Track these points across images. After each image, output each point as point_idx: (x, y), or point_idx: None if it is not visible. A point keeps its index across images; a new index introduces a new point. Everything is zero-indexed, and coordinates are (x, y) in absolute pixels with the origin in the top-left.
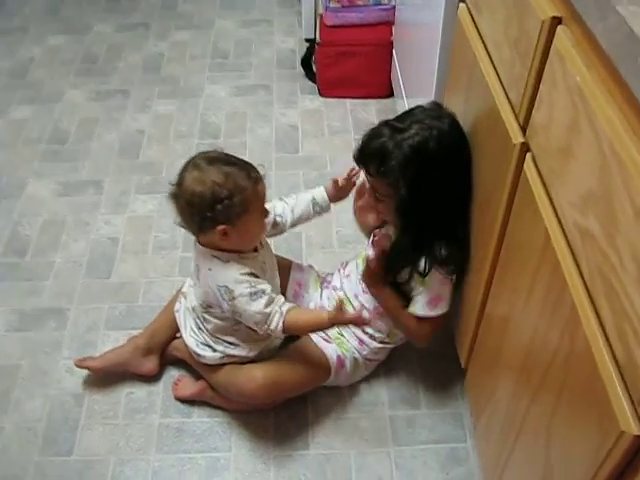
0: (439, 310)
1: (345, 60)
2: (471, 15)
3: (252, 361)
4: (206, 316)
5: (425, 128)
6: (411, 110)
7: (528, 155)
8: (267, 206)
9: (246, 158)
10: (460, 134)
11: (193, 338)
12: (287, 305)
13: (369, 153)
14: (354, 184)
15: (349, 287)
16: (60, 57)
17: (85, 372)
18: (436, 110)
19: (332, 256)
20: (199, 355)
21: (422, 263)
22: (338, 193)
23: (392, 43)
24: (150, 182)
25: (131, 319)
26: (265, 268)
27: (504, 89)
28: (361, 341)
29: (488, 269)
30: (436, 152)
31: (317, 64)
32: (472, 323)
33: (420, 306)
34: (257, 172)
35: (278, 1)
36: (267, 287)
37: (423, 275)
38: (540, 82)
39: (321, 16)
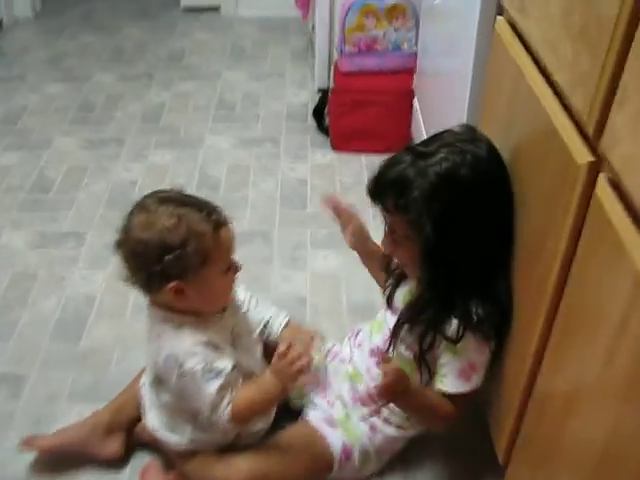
0: (473, 383)
1: (361, 110)
2: (512, 25)
3: (232, 447)
4: (161, 395)
5: (456, 152)
6: (439, 134)
7: (601, 176)
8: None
9: (247, 214)
10: (499, 162)
11: (156, 419)
12: (235, 391)
13: (385, 183)
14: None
15: (360, 359)
16: (55, 105)
17: (32, 455)
18: (469, 133)
19: (340, 325)
20: (163, 439)
21: (452, 326)
22: None
23: (413, 91)
24: None
25: (100, 391)
26: (237, 335)
27: (561, 98)
28: (373, 426)
29: (539, 334)
30: (470, 181)
31: (330, 114)
32: (514, 406)
33: (450, 381)
34: (220, 214)
35: (291, 54)
36: (226, 365)
37: (455, 341)
38: (622, 71)
39: (336, 63)
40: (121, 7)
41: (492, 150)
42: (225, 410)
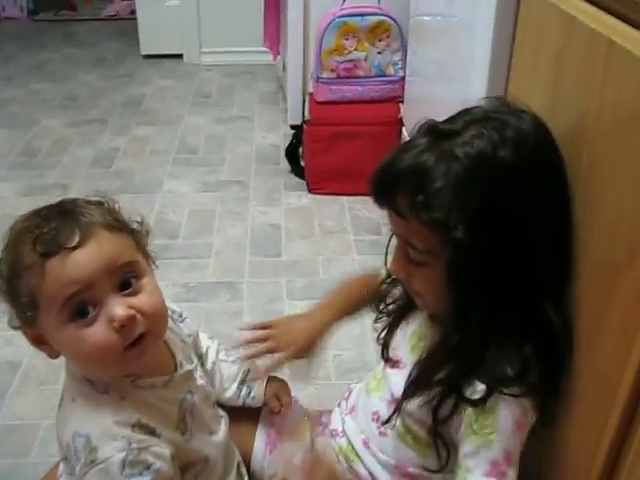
0: (511, 475)
1: (340, 144)
2: None
3: None
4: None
5: (493, 127)
6: (466, 109)
7: None
8: (117, 308)
9: (211, 263)
10: (550, 139)
11: None
12: None
13: (396, 175)
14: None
15: (354, 429)
16: None
17: None
18: (506, 105)
19: (328, 390)
20: None
21: (477, 386)
22: None
23: (401, 121)
24: None
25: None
26: (190, 407)
27: None
28: None
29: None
30: (513, 164)
31: (305, 150)
32: None
33: (480, 471)
34: (64, 234)
35: (260, 99)
36: (158, 455)
37: (478, 403)
38: None
39: (311, 93)
40: (77, 57)
41: (539, 124)
42: None
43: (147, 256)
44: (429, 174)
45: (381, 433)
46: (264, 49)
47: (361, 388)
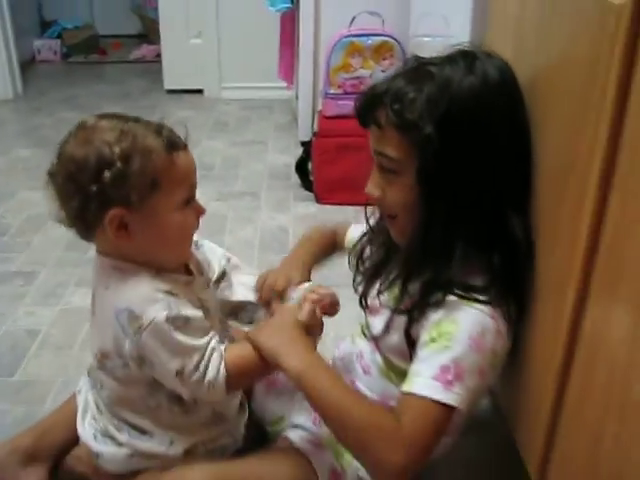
0: (452, 395)
1: (347, 155)
2: None
3: None
4: (103, 376)
5: (464, 59)
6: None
7: None
8: (202, 205)
9: None
10: (512, 75)
11: (92, 427)
12: (223, 344)
13: (377, 94)
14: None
15: (342, 372)
16: (22, 165)
17: None
18: (480, 49)
19: None
20: (97, 455)
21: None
22: None
23: None
24: None
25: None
26: (205, 309)
27: None
28: None
29: (574, 293)
30: (480, 88)
31: (314, 161)
32: (545, 411)
33: (422, 380)
34: (176, 136)
35: (275, 127)
36: (196, 314)
37: (439, 303)
38: None
39: (320, 111)
40: (103, 92)
41: (505, 64)
42: (221, 364)
43: None
44: (405, 89)
45: (365, 372)
46: (281, 85)
47: (348, 340)
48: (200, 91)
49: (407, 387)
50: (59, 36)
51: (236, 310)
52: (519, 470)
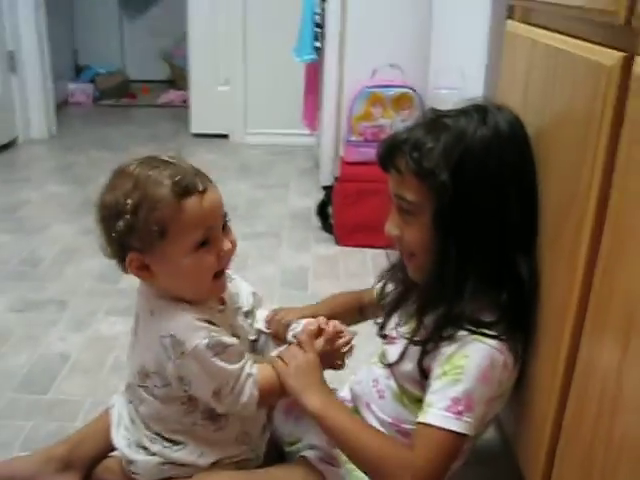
0: (464, 425)
1: (367, 200)
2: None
3: None
4: (142, 393)
5: (477, 113)
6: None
7: (637, 60)
8: (227, 243)
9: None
10: (522, 128)
11: (125, 438)
12: (255, 366)
13: (397, 142)
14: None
15: (359, 395)
16: (56, 201)
17: None
18: (491, 103)
19: None
20: (130, 462)
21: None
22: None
23: None
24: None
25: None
26: (237, 335)
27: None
28: None
29: (571, 328)
30: (491, 141)
31: (335, 205)
32: (545, 437)
33: (435, 411)
34: (195, 180)
35: (297, 172)
36: (233, 340)
37: (452, 337)
38: None
39: (341, 157)
40: (133, 133)
41: (515, 117)
42: (254, 386)
43: None
44: (423, 139)
45: (380, 396)
46: (303, 131)
47: (366, 367)
48: (225, 136)
49: (422, 418)
50: (92, 80)
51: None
52: None
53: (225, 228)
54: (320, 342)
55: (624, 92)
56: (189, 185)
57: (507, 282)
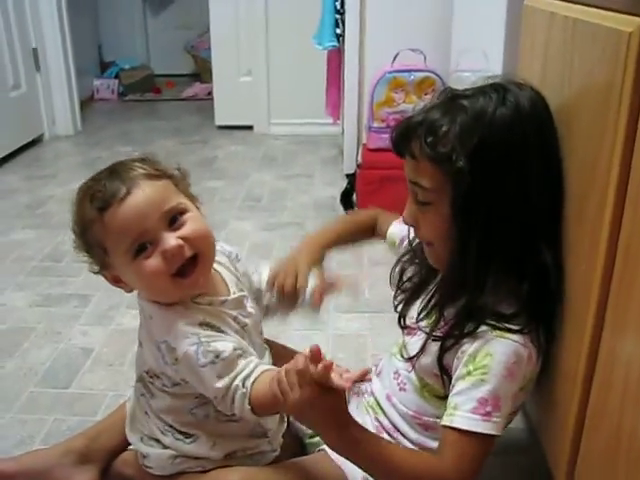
0: (492, 425)
1: (390, 186)
2: None
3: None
4: (153, 389)
5: (496, 92)
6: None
7: None
8: (170, 241)
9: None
10: (544, 107)
11: (138, 431)
12: (254, 374)
13: (411, 125)
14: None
15: (380, 387)
16: None
17: None
18: (511, 80)
19: None
20: (144, 457)
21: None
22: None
23: None
24: None
25: None
26: (247, 331)
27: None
28: None
29: (593, 317)
30: (511, 121)
31: (358, 192)
32: (570, 420)
33: (462, 414)
34: (120, 186)
35: (321, 161)
36: (226, 347)
37: (475, 334)
38: None
39: (364, 144)
40: (157, 127)
41: (537, 95)
42: (244, 401)
43: (190, 196)
44: (438, 121)
45: (401, 388)
46: (327, 121)
47: (387, 357)
48: (250, 127)
49: (447, 421)
50: (117, 76)
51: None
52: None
53: (176, 221)
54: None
55: None
56: (105, 196)
57: (530, 272)
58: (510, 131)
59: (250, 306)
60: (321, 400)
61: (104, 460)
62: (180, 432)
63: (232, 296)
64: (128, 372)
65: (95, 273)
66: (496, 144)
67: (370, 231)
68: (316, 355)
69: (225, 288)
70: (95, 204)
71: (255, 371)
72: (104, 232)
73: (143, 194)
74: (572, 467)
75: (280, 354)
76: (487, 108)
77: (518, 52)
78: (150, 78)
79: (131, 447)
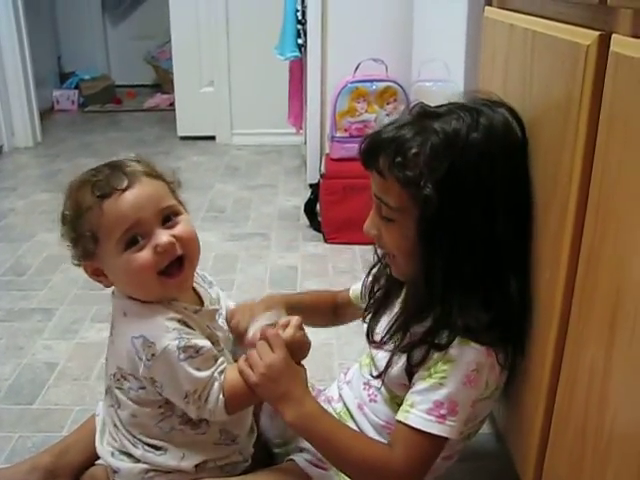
0: (446, 429)
1: (353, 196)
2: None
3: None
4: (120, 395)
5: (470, 114)
6: (451, 102)
7: (614, 37)
8: (163, 237)
9: (233, 294)
10: (520, 128)
11: (109, 445)
12: (225, 367)
13: (381, 140)
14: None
15: (350, 395)
16: (41, 209)
17: None
18: (485, 99)
19: None
20: (114, 472)
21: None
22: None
23: None
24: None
25: None
26: (217, 344)
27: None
28: None
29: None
30: (482, 146)
31: (321, 202)
32: (537, 423)
33: (416, 413)
34: (122, 178)
35: (285, 172)
36: (206, 343)
37: (442, 347)
38: None
39: (327, 154)
40: (119, 139)
41: (513, 115)
42: (219, 394)
43: (181, 203)
44: (409, 142)
45: (371, 399)
46: (290, 131)
47: (357, 366)
48: (212, 137)
49: (402, 417)
50: (77, 87)
51: None
52: None
53: (170, 221)
54: (289, 331)
55: (602, 71)
56: (107, 185)
57: (496, 300)
58: (480, 159)
59: (222, 322)
60: (288, 365)
61: (71, 476)
62: (149, 445)
63: (205, 309)
64: (94, 386)
65: (76, 264)
66: (465, 172)
67: (331, 304)
68: (285, 323)
69: (199, 301)
70: (96, 191)
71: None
72: (100, 219)
73: (143, 189)
74: (539, 470)
75: None
76: (459, 132)
77: (479, 63)
78: (111, 88)
79: (99, 462)
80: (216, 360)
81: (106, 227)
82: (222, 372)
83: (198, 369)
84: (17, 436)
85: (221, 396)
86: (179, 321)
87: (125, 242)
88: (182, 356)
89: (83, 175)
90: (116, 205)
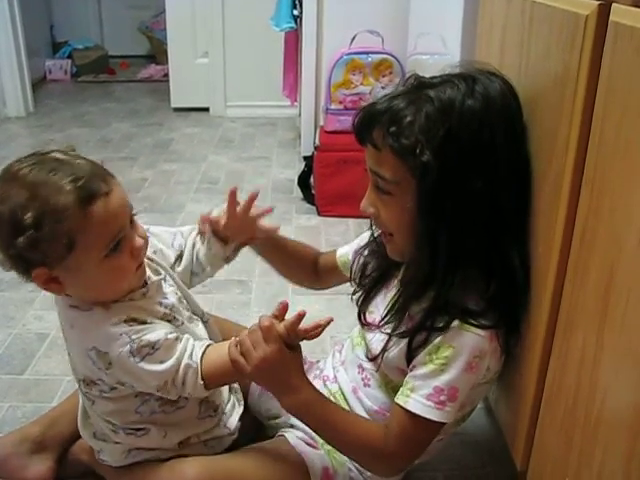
0: (444, 414)
1: (347, 169)
2: None
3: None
4: (92, 397)
5: (465, 82)
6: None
7: (614, 7)
8: (138, 240)
9: (227, 268)
10: (515, 99)
11: (91, 426)
12: (199, 350)
13: (374, 113)
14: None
15: (345, 379)
16: None
17: None
18: (480, 69)
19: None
20: (98, 451)
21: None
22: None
23: None
24: None
25: None
26: (175, 309)
27: None
28: None
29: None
30: (480, 113)
31: (315, 175)
32: (528, 402)
33: (416, 398)
34: (96, 181)
35: (279, 144)
36: (159, 335)
37: (442, 328)
38: None
39: (322, 126)
40: (112, 109)
41: (506, 86)
42: (197, 379)
43: None
44: (403, 111)
45: (365, 384)
46: (284, 103)
47: (349, 344)
48: (206, 109)
49: (402, 402)
50: (70, 56)
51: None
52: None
53: (132, 223)
54: (281, 327)
55: (601, 41)
56: (93, 189)
57: (498, 272)
58: (478, 125)
59: (169, 284)
60: (283, 357)
61: (61, 447)
62: (130, 429)
63: (149, 284)
64: None
65: (22, 275)
66: (463, 138)
67: (313, 259)
68: (282, 312)
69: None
70: (81, 194)
71: (196, 346)
72: (83, 226)
73: (120, 192)
74: (530, 442)
75: (224, 328)
76: (455, 99)
77: (475, 36)
78: (104, 59)
79: None
80: (180, 341)
81: (92, 234)
82: (192, 355)
83: (161, 361)
84: (7, 406)
85: (199, 380)
86: (126, 321)
87: (111, 247)
88: (137, 358)
89: (36, 169)
90: (104, 210)
